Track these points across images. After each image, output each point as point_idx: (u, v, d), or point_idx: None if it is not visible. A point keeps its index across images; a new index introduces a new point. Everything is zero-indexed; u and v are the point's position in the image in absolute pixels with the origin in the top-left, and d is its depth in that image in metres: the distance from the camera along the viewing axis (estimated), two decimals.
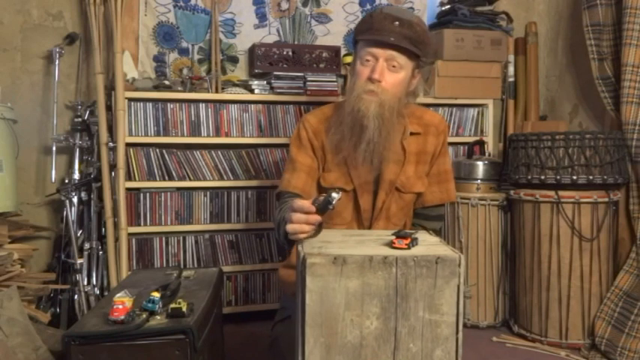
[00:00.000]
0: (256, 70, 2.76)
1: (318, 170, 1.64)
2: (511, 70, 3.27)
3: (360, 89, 1.52)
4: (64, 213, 2.52)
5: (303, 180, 1.61)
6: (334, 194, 1.17)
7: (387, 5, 1.55)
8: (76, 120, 2.64)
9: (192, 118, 2.67)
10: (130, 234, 2.55)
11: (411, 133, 1.64)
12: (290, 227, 1.22)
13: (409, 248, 1.11)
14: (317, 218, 1.19)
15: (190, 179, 2.66)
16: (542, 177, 2.45)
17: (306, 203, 1.21)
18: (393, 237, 1.13)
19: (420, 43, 1.52)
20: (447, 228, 2.78)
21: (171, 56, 2.88)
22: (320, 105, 2.79)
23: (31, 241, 2.66)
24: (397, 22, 1.49)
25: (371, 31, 1.52)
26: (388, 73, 1.52)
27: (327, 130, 1.62)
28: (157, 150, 2.62)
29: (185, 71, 2.78)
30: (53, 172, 2.57)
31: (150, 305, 1.30)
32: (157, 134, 2.62)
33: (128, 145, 2.56)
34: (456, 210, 2.71)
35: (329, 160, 1.63)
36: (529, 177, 2.49)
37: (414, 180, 1.65)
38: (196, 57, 2.91)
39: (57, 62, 2.58)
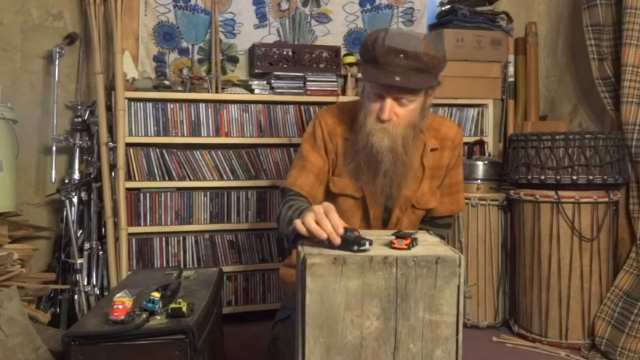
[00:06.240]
0: (256, 70, 2.76)
1: (327, 173, 1.60)
2: (511, 70, 3.27)
3: (370, 127, 1.47)
4: (64, 213, 2.52)
5: (310, 182, 1.57)
6: (367, 244, 1.10)
7: (390, 30, 1.46)
8: (76, 120, 2.65)
9: (192, 118, 2.67)
10: (130, 234, 2.55)
11: (430, 150, 1.59)
12: (309, 223, 1.15)
13: (409, 248, 1.11)
14: (337, 242, 1.12)
15: (190, 179, 2.66)
16: (542, 177, 2.45)
17: (340, 225, 1.14)
18: (393, 237, 1.13)
19: (431, 69, 1.42)
20: None
21: (171, 56, 2.88)
22: (320, 105, 2.82)
23: (31, 241, 2.66)
24: (402, 55, 1.38)
25: (375, 65, 1.42)
26: (398, 107, 1.45)
27: (342, 133, 1.58)
28: (157, 150, 2.62)
29: (185, 71, 2.78)
30: (53, 172, 2.58)
31: (150, 305, 1.30)
32: (157, 134, 2.62)
33: (128, 145, 2.56)
34: None
35: (340, 164, 1.59)
36: (529, 177, 2.49)
37: (428, 196, 1.63)
38: (196, 57, 2.91)
39: (57, 62, 2.58)
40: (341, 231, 1.13)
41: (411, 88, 1.41)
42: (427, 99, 1.52)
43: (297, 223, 1.18)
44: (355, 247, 1.10)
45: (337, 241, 1.12)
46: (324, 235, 1.13)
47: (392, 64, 1.39)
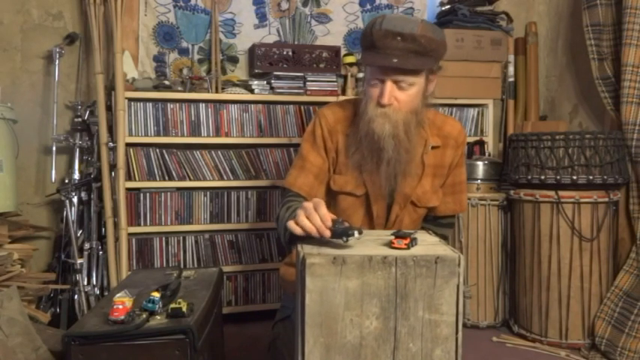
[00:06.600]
0: (256, 70, 2.76)
1: (328, 172, 1.59)
2: (511, 70, 3.27)
3: (371, 112, 1.46)
4: (64, 213, 2.52)
5: (310, 182, 1.56)
6: (356, 233, 1.11)
7: (387, 15, 1.46)
8: (76, 120, 2.65)
9: (192, 118, 2.67)
10: (130, 234, 2.55)
11: (432, 147, 1.58)
12: (301, 221, 1.17)
13: (408, 248, 1.11)
14: (327, 235, 1.14)
15: (190, 179, 2.66)
16: (542, 177, 2.45)
17: (328, 218, 1.15)
18: (392, 237, 1.13)
19: (429, 52, 1.41)
20: None
21: (171, 56, 2.88)
22: (320, 105, 2.82)
23: (31, 241, 2.66)
24: (399, 38, 1.38)
25: (373, 50, 1.42)
26: (398, 92, 1.45)
27: (343, 130, 1.57)
28: (157, 150, 2.62)
29: (185, 71, 2.78)
30: (53, 172, 2.58)
31: (150, 305, 1.30)
32: (157, 134, 2.62)
33: (128, 145, 2.56)
34: None
35: (341, 162, 1.58)
36: (529, 177, 2.49)
37: (430, 194, 1.61)
38: (196, 57, 2.91)
39: (57, 62, 2.58)
40: (329, 224, 1.14)
41: (410, 69, 1.41)
42: (428, 84, 1.51)
43: (291, 224, 1.19)
44: (344, 239, 1.11)
45: (326, 233, 1.14)
46: (315, 231, 1.15)
47: (390, 46, 1.39)
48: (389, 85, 1.44)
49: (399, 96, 1.45)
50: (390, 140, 1.46)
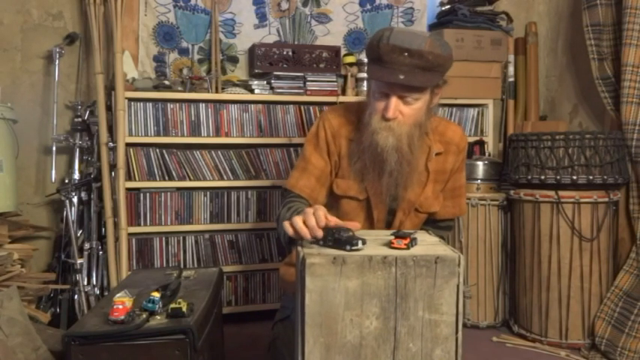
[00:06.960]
0: (256, 70, 2.76)
1: (330, 175, 1.59)
2: (511, 70, 3.27)
3: (375, 125, 1.46)
4: (64, 213, 2.52)
5: (311, 184, 1.56)
6: (360, 243, 1.11)
7: (395, 28, 1.44)
8: (76, 120, 2.65)
9: (192, 118, 2.67)
10: (130, 234, 2.55)
11: (436, 154, 1.59)
12: (295, 221, 1.16)
13: (408, 248, 1.11)
14: (319, 234, 1.13)
15: (190, 179, 2.66)
16: (542, 177, 2.45)
17: (323, 219, 1.14)
18: (392, 237, 1.13)
19: (435, 67, 1.41)
20: None
21: (171, 56, 2.88)
22: (320, 105, 2.82)
23: (31, 241, 2.66)
24: (406, 53, 1.37)
25: (379, 64, 1.41)
26: (403, 106, 1.45)
27: (347, 135, 1.57)
28: (157, 150, 2.62)
29: (185, 71, 2.78)
30: (53, 172, 2.58)
31: (150, 305, 1.30)
32: (157, 134, 2.62)
33: (128, 145, 2.56)
34: None
35: (344, 166, 1.58)
36: (529, 177, 2.49)
37: (432, 200, 1.62)
38: (196, 57, 2.91)
39: (57, 62, 2.59)
40: (322, 224, 1.13)
41: (416, 86, 1.41)
42: (433, 98, 1.51)
43: (286, 224, 1.19)
44: (347, 247, 1.11)
45: (319, 233, 1.13)
46: (307, 235, 1.13)
47: (396, 62, 1.39)
48: (394, 100, 1.43)
49: (404, 110, 1.45)
50: (393, 153, 1.46)
